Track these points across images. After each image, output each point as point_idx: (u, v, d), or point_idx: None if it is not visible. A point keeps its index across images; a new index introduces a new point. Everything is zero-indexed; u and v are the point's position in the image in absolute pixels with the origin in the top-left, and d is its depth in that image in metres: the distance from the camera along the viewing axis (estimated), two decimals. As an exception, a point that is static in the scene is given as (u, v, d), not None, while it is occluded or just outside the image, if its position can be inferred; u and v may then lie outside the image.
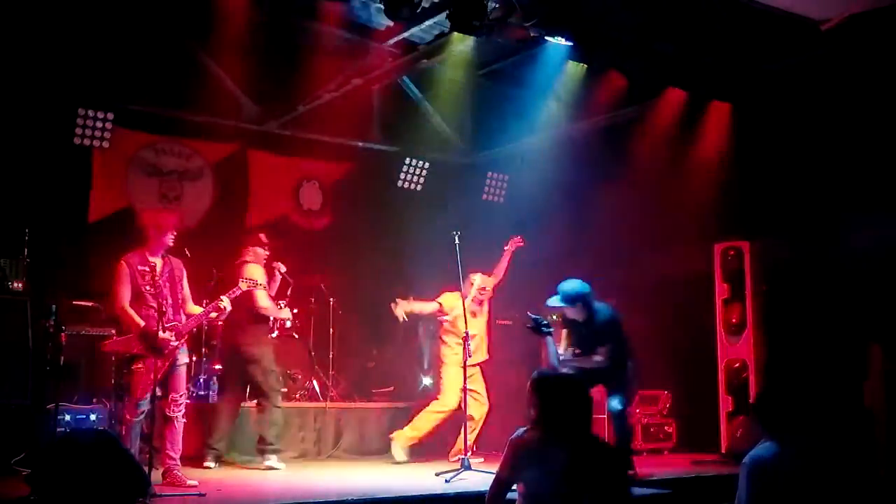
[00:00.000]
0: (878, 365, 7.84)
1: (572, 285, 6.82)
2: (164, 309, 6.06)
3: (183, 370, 6.29)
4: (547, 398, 3.78)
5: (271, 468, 7.27)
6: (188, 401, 7.84)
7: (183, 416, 6.27)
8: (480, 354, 8.20)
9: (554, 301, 6.81)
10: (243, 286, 6.68)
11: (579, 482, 3.59)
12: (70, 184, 8.57)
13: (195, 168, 9.50)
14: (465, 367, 7.47)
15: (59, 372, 7.03)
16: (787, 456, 3.72)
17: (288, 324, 8.42)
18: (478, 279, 8.28)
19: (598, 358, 6.73)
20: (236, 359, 7.69)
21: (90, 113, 8.37)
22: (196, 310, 6.39)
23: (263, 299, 7.57)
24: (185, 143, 9.43)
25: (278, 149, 9.94)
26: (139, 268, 6.13)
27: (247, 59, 8.37)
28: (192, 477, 6.25)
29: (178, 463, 6.16)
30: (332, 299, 9.15)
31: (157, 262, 6.20)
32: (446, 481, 6.47)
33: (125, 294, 6.10)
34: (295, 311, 8.49)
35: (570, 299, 6.79)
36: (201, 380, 8.41)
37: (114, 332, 7.56)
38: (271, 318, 7.91)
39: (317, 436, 8.58)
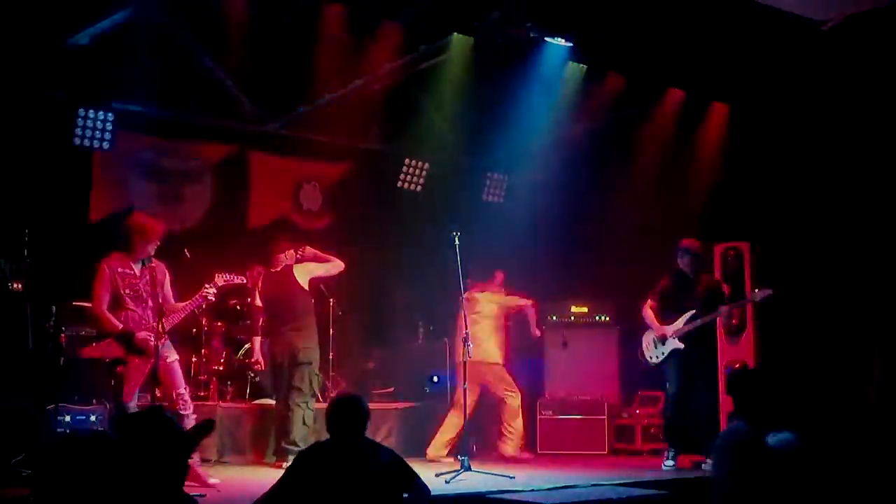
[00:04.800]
0: (881, 367, 7.84)
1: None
2: (141, 313, 6.09)
3: (175, 366, 6.23)
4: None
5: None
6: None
7: (193, 413, 6.25)
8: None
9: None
10: (220, 280, 6.58)
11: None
12: (70, 185, 8.56)
13: (195, 169, 9.48)
14: (465, 367, 7.48)
15: (59, 372, 7.02)
16: None
17: None
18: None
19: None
20: (290, 361, 7.59)
21: (90, 113, 8.36)
22: (179, 306, 6.38)
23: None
24: (185, 144, 9.42)
25: (278, 149, 9.93)
26: (119, 271, 6.13)
27: (247, 60, 8.37)
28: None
29: (199, 460, 6.17)
30: (331, 300, 9.15)
31: (137, 267, 6.20)
32: (446, 482, 6.48)
33: (104, 297, 6.11)
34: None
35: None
36: (201, 380, 8.42)
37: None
38: None
39: (317, 437, 8.56)
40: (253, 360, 8.00)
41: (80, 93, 8.32)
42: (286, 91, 9.08)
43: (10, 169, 7.93)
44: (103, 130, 8.42)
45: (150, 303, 6.17)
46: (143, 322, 6.13)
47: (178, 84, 8.59)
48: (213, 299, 6.50)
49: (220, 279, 6.58)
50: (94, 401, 7.43)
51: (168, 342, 6.25)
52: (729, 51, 7.93)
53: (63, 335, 7.28)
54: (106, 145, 8.49)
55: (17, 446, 6.57)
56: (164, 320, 6.14)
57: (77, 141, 8.36)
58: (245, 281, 7.06)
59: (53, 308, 7.06)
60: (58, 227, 8.21)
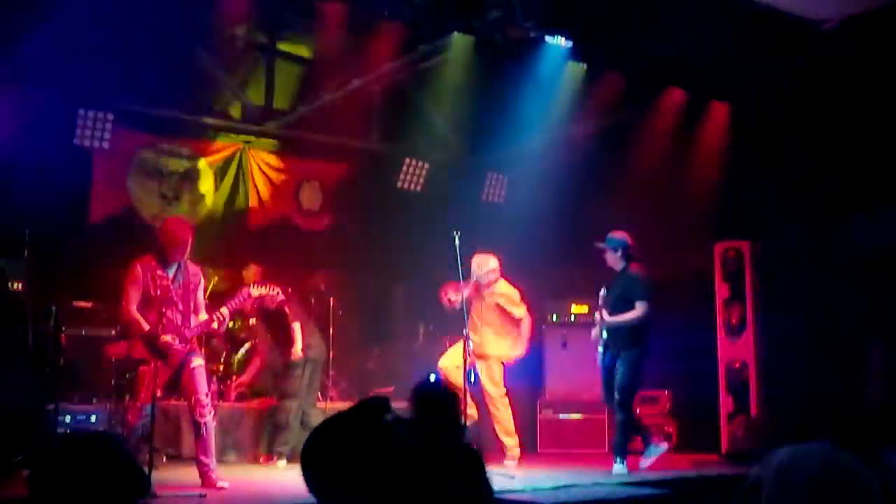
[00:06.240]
0: (879, 365, 7.85)
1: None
2: (170, 316, 6.06)
3: (198, 371, 6.16)
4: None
5: None
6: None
7: (213, 419, 6.19)
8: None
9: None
10: (255, 292, 6.53)
11: None
12: (70, 184, 8.55)
13: (195, 168, 9.48)
14: (465, 367, 7.48)
15: (59, 372, 7.02)
16: None
17: None
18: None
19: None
20: (308, 361, 7.90)
21: (90, 113, 8.35)
22: (203, 317, 6.35)
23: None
24: (185, 143, 9.42)
25: (278, 149, 9.93)
26: (151, 273, 6.10)
27: (247, 59, 8.37)
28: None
29: (212, 467, 6.11)
30: (331, 299, 9.15)
31: (171, 270, 6.19)
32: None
33: (133, 297, 6.07)
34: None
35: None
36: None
37: (113, 332, 7.55)
38: None
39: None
40: (302, 345, 7.81)
41: (79, 92, 8.32)
42: (287, 91, 9.08)
43: (11, 168, 7.93)
44: (103, 130, 8.41)
45: (181, 306, 6.14)
46: (171, 325, 6.10)
47: (178, 83, 8.59)
48: (246, 305, 6.54)
49: (257, 290, 6.52)
50: (95, 401, 7.45)
51: (195, 348, 6.21)
52: (729, 51, 7.93)
53: (63, 335, 7.29)
54: (106, 145, 8.49)
55: (18, 446, 6.58)
56: (192, 326, 6.13)
57: (77, 141, 8.36)
58: (281, 296, 7.01)
59: (53, 308, 7.06)
60: (58, 227, 8.21)
